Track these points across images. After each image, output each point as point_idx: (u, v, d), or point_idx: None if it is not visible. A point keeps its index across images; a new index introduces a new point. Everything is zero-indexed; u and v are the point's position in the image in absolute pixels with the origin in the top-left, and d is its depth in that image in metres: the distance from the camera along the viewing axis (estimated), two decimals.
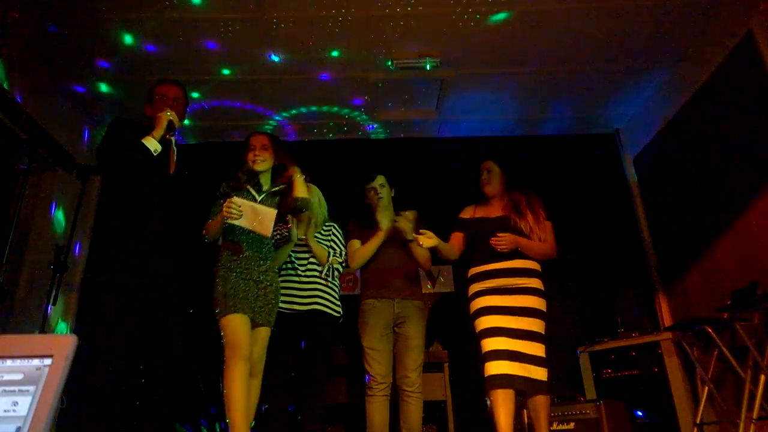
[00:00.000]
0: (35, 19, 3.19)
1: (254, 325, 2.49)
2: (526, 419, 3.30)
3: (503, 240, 2.75)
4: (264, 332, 2.54)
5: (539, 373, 2.64)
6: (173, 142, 2.49)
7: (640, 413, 3.46)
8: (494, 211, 2.95)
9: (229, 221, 2.43)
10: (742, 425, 2.78)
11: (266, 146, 2.68)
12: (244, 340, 2.37)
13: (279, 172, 2.75)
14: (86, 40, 3.42)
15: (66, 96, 3.89)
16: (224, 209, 2.40)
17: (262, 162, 2.66)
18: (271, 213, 2.46)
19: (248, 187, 2.65)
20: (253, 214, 2.45)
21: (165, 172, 2.45)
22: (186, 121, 2.84)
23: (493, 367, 2.62)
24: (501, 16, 3.34)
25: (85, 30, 3.33)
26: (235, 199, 2.43)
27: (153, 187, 2.41)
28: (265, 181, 2.71)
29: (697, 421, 3.11)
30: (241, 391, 2.29)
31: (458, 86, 4.03)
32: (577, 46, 3.60)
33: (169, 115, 2.37)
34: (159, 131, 2.34)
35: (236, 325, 2.39)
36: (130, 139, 2.31)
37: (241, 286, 2.47)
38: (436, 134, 4.70)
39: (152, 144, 2.32)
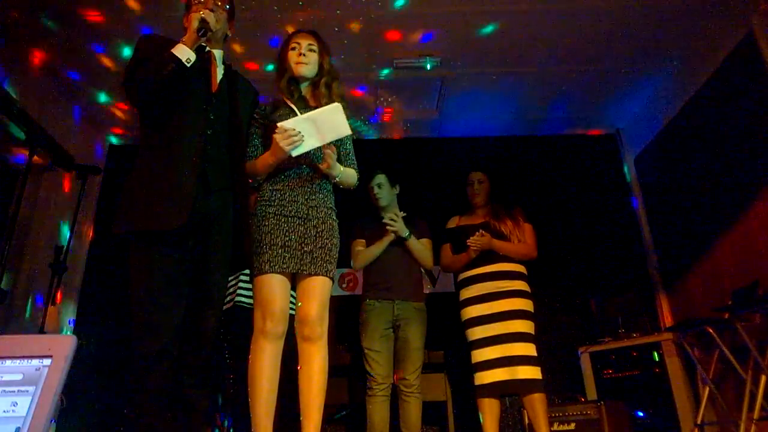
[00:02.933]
0: (35, 18, 3.19)
1: (302, 276, 1.99)
2: (526, 419, 3.29)
3: (477, 240, 2.90)
4: (317, 284, 1.97)
5: (531, 372, 2.73)
6: (217, 56, 2.01)
7: (641, 414, 3.45)
8: (477, 218, 3.11)
9: (295, 153, 1.92)
10: (743, 425, 2.78)
11: (313, 47, 2.14)
12: (271, 312, 1.91)
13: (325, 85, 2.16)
14: (87, 40, 3.42)
15: (66, 96, 3.88)
16: (281, 143, 1.89)
17: (306, 66, 2.10)
18: (333, 108, 1.90)
19: (290, 102, 2.10)
20: (315, 125, 1.90)
21: (206, 91, 1.96)
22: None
23: (480, 378, 2.80)
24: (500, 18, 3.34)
25: (85, 29, 3.33)
26: (285, 124, 1.89)
27: (191, 110, 1.91)
28: (308, 95, 2.16)
29: (698, 422, 3.10)
30: (261, 378, 1.89)
31: (458, 86, 4.03)
32: (577, 46, 3.60)
33: (202, 14, 1.88)
34: (190, 34, 1.86)
35: (265, 292, 1.93)
36: (160, 52, 1.84)
37: (282, 227, 1.97)
38: (436, 134, 4.70)
39: (183, 52, 1.83)
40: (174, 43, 1.87)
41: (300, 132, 1.89)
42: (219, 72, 2.02)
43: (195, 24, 1.86)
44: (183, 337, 1.82)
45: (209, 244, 1.88)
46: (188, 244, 1.83)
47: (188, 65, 1.84)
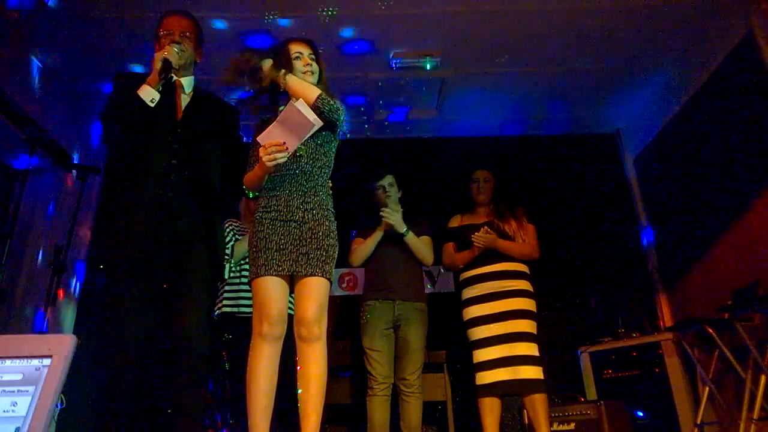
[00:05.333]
0: (35, 18, 3.19)
1: (299, 278, 1.99)
2: (526, 419, 3.29)
3: (483, 237, 2.90)
4: (313, 284, 1.97)
5: (532, 372, 2.73)
6: (185, 83, 2.11)
7: (640, 413, 3.45)
8: (480, 217, 3.11)
9: (280, 162, 1.94)
10: (742, 425, 2.78)
11: (313, 56, 2.16)
12: (268, 314, 1.94)
13: None
14: (88, 39, 3.42)
15: (66, 96, 3.88)
16: (264, 160, 1.91)
17: (314, 75, 2.13)
18: (288, 108, 1.90)
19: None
20: (284, 129, 1.91)
21: (171, 121, 2.05)
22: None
23: (481, 378, 2.79)
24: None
25: (85, 29, 3.33)
26: (260, 139, 1.92)
27: (156, 142, 2.00)
28: None
29: (698, 422, 3.10)
30: (259, 379, 1.91)
31: (458, 86, 4.02)
32: (577, 46, 3.60)
33: (164, 53, 1.95)
34: (153, 76, 1.94)
35: (261, 294, 1.96)
36: (128, 94, 1.94)
37: (278, 231, 2.00)
38: (436, 134, 4.70)
39: (146, 93, 1.92)
40: (144, 78, 1.97)
41: (284, 143, 1.90)
42: (185, 100, 2.11)
43: (158, 65, 1.94)
44: (171, 344, 1.97)
45: (183, 263, 1.99)
46: (155, 267, 1.94)
47: (152, 105, 1.93)
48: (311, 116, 1.88)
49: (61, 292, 3.52)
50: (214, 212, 2.11)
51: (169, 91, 2.04)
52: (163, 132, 2.02)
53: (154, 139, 2.00)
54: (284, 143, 1.91)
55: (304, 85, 2.06)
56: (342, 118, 2.12)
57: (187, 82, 2.13)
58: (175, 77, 2.06)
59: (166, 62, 1.94)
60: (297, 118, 1.88)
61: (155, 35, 2.13)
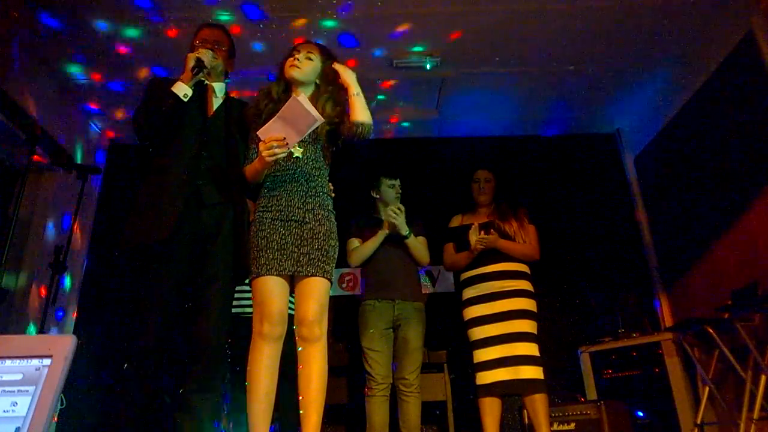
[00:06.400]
0: (35, 18, 3.19)
1: (300, 278, 1.99)
2: (526, 419, 3.29)
3: (484, 239, 2.89)
4: (314, 285, 1.96)
5: (532, 372, 2.73)
6: (216, 88, 2.20)
7: (640, 413, 3.45)
8: (481, 217, 3.10)
9: (280, 158, 1.95)
10: (742, 425, 2.78)
11: (311, 56, 2.17)
12: (269, 314, 1.93)
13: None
14: (86, 39, 3.42)
15: (66, 96, 3.88)
16: (264, 154, 1.91)
17: (298, 69, 2.12)
18: (291, 102, 1.88)
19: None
20: (285, 123, 1.89)
21: (203, 117, 2.13)
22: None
23: (481, 378, 2.80)
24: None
25: (85, 29, 3.33)
26: (260, 133, 1.92)
27: (187, 135, 2.07)
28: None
29: (698, 422, 3.10)
30: (259, 379, 1.90)
31: (458, 86, 4.03)
32: (578, 45, 3.60)
33: (197, 53, 2.07)
34: (186, 73, 2.04)
35: (262, 294, 1.95)
36: (162, 92, 2.04)
37: (278, 231, 1.99)
38: (436, 134, 4.70)
39: (180, 88, 2.02)
40: (176, 81, 2.06)
41: (284, 138, 1.90)
42: (216, 102, 2.20)
43: (190, 63, 2.05)
44: (186, 344, 1.95)
45: (205, 256, 2.00)
46: (178, 256, 1.94)
47: (185, 100, 2.03)
48: (314, 111, 1.87)
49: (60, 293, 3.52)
50: (241, 206, 2.11)
51: (202, 91, 2.15)
52: (194, 125, 2.10)
53: (185, 131, 2.08)
54: (284, 138, 1.90)
55: (363, 105, 2.11)
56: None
57: (218, 87, 2.23)
58: (206, 81, 2.17)
59: (198, 61, 2.05)
60: (299, 113, 1.86)
61: (190, 45, 2.25)
